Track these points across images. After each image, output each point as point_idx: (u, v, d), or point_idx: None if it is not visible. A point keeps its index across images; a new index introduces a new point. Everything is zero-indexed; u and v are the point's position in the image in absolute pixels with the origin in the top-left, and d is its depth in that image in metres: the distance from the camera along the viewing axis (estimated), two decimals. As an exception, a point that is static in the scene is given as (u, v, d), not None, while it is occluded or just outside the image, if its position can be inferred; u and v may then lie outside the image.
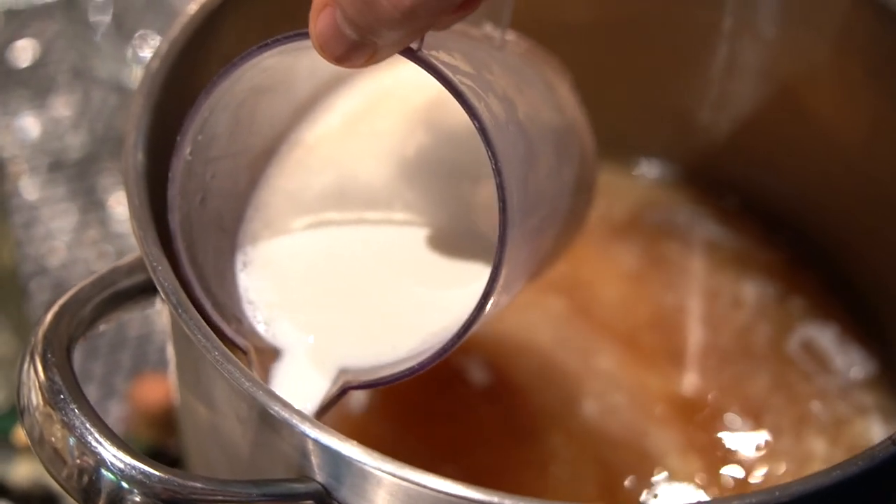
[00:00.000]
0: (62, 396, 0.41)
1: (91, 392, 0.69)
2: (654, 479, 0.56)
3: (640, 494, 0.55)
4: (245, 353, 0.43)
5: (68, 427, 0.41)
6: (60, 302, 0.44)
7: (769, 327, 0.62)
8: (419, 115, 0.49)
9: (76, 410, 0.41)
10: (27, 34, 0.90)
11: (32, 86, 0.87)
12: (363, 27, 0.38)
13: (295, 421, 0.40)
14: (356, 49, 0.39)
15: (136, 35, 0.89)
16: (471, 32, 0.47)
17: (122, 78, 0.87)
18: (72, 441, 0.41)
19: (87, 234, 0.79)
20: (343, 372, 0.44)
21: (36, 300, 0.74)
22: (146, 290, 0.46)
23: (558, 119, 0.49)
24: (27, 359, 0.42)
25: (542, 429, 0.56)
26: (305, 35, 0.40)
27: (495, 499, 0.38)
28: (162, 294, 0.43)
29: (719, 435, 0.58)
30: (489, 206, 0.44)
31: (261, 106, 0.46)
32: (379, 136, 0.49)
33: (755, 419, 0.58)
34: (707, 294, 0.63)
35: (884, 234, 0.60)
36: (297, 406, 0.40)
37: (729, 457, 0.57)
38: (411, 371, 0.42)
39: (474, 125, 0.40)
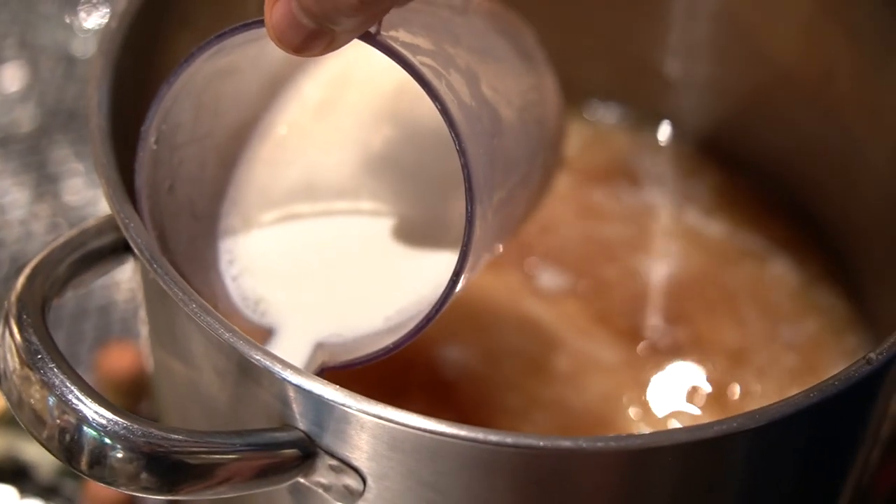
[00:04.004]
0: (39, 356, 0.40)
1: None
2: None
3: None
4: None
5: (47, 386, 0.40)
6: (32, 264, 0.44)
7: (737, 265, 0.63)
8: (386, 104, 0.50)
9: (55, 369, 0.40)
10: (-33, 7, 0.89)
11: (-23, 60, 0.86)
12: (320, 16, 0.37)
13: (276, 367, 0.40)
14: (313, 38, 0.38)
15: (82, 2, 0.88)
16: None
17: (68, 47, 0.86)
18: (51, 401, 0.40)
19: (40, 207, 0.79)
20: (320, 347, 0.45)
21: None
22: (117, 250, 0.46)
23: (524, 82, 0.50)
24: (2, 323, 0.42)
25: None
26: (262, 23, 0.39)
27: (481, 435, 0.39)
28: (135, 249, 0.43)
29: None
30: (459, 194, 0.44)
31: (225, 89, 0.46)
32: (346, 129, 0.50)
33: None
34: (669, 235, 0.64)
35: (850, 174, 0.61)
36: None
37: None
38: (386, 351, 0.43)
39: (435, 105, 0.40)
